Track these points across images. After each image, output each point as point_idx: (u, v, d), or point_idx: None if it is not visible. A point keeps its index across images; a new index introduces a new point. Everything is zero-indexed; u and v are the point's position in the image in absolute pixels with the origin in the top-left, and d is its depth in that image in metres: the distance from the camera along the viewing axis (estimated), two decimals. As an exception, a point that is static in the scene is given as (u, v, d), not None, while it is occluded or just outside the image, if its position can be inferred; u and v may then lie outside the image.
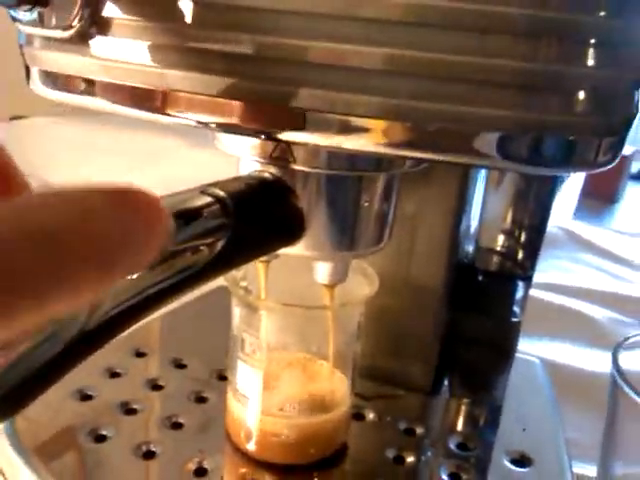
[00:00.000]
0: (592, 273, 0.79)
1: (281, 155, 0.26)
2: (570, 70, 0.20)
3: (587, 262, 0.82)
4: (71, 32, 0.22)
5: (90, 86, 0.24)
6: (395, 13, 0.19)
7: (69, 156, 0.76)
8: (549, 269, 0.80)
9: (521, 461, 0.34)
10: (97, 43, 0.23)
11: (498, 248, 0.47)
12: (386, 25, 0.19)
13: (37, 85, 0.25)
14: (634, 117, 0.22)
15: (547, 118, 0.20)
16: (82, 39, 0.23)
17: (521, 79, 0.20)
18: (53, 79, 0.25)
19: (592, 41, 0.20)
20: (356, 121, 0.20)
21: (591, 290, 0.72)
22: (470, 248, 0.47)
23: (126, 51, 0.23)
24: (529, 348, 0.52)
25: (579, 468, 0.37)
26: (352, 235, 0.28)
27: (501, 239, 0.46)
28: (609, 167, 0.22)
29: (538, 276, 0.78)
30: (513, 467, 0.34)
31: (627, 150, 2.67)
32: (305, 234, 0.27)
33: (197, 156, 0.78)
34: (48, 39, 0.24)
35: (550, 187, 0.43)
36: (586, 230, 0.91)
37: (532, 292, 0.70)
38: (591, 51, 0.20)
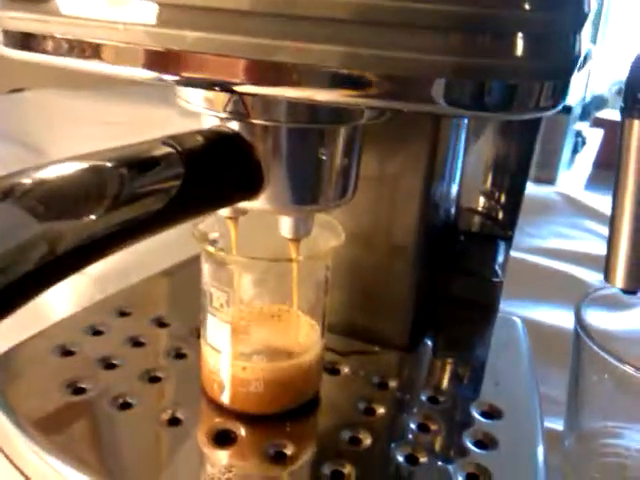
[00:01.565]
0: (589, 238, 0.79)
1: (237, 109, 0.26)
2: (508, 13, 0.20)
3: (586, 228, 0.82)
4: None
5: (48, 42, 0.24)
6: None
7: (66, 127, 0.77)
8: (547, 235, 0.80)
9: (491, 414, 0.35)
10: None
11: (479, 209, 0.47)
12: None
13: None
14: (576, 61, 0.22)
15: (487, 62, 0.20)
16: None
17: (459, 23, 0.20)
18: (11, 38, 0.25)
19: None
20: (302, 70, 0.21)
21: (586, 254, 0.71)
22: (452, 209, 0.47)
23: (84, 7, 0.23)
24: (518, 310, 0.53)
25: (557, 425, 0.38)
26: (313, 189, 0.29)
27: (482, 200, 0.47)
28: (552, 112, 0.22)
29: (535, 242, 0.78)
30: (482, 419, 0.34)
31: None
32: (265, 188, 0.28)
33: (188, 124, 0.79)
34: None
35: (529, 146, 0.43)
36: (586, 196, 0.90)
37: (527, 257, 0.70)
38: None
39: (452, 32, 0.20)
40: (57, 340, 0.38)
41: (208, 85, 0.24)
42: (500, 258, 0.46)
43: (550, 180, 1.04)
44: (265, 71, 0.21)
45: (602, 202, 0.90)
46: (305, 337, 0.34)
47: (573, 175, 1.16)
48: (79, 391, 0.34)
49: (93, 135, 0.71)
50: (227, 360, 0.32)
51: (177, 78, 0.23)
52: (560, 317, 0.58)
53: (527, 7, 0.20)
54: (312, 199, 0.29)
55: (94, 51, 0.24)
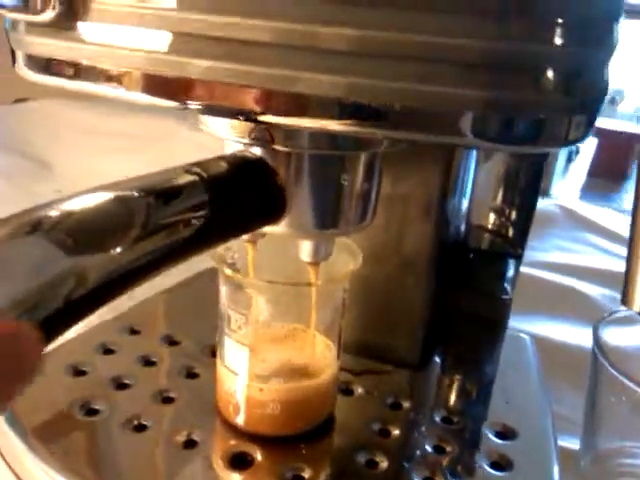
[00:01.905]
0: (591, 252, 0.79)
1: (260, 136, 0.26)
2: (538, 48, 0.20)
3: (587, 241, 0.83)
4: (51, 16, 0.23)
5: (70, 68, 0.24)
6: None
7: (72, 138, 0.77)
8: (550, 249, 0.81)
9: (505, 434, 0.35)
10: (75, 26, 0.23)
11: (489, 226, 0.47)
12: (355, 6, 0.20)
13: (21, 68, 0.26)
14: (604, 94, 0.22)
15: (516, 97, 0.21)
16: (61, 23, 0.23)
17: (489, 58, 0.20)
18: (35, 62, 0.25)
19: (559, 20, 0.20)
20: (327, 102, 0.21)
21: (588, 268, 0.72)
22: (462, 227, 0.47)
23: (105, 34, 0.23)
24: (524, 326, 0.53)
25: (570, 443, 0.38)
26: (334, 214, 0.29)
27: (492, 217, 0.47)
28: (581, 143, 0.22)
29: (538, 255, 0.79)
30: (497, 439, 0.34)
31: (636, 128, 2.64)
32: (287, 213, 0.28)
33: (196, 138, 0.79)
34: (31, 24, 0.24)
35: (539, 166, 0.43)
36: (586, 209, 0.91)
37: (531, 271, 0.70)
38: (558, 29, 0.20)
39: (482, 66, 0.20)
40: (68, 359, 0.37)
41: (230, 114, 0.24)
42: (509, 275, 0.47)
43: (544, 189, 1.04)
44: (297, 104, 0.21)
45: (602, 215, 0.90)
46: (321, 357, 0.34)
47: (567, 184, 1.16)
48: (91, 412, 0.34)
49: (100, 147, 0.71)
50: (244, 382, 0.32)
51: (200, 107, 0.23)
52: (566, 333, 0.58)
53: (558, 43, 0.20)
54: (333, 224, 0.29)
55: (117, 78, 0.24)
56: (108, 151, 0.70)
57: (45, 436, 0.31)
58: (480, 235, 0.47)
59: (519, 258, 0.47)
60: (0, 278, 0.17)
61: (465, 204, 0.46)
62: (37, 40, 0.25)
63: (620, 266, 0.78)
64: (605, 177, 2.36)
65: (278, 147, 0.26)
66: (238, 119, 0.26)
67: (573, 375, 0.51)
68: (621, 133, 2.56)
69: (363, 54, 0.20)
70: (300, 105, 0.21)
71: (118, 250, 0.20)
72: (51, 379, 0.36)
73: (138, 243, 0.21)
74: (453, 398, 0.39)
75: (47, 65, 0.25)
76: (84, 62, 0.24)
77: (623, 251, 0.82)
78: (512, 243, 0.46)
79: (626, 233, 0.88)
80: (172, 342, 0.41)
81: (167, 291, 0.47)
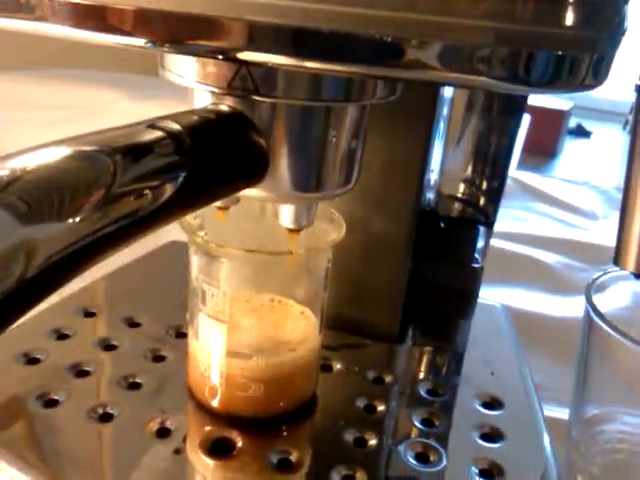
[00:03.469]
0: (544, 221, 0.80)
1: (241, 84, 0.23)
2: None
3: (538, 210, 0.83)
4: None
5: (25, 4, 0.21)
6: None
7: (10, 113, 0.71)
8: (503, 218, 0.81)
9: (492, 404, 0.34)
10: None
11: (460, 194, 0.46)
12: None
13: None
14: (623, 33, 0.20)
15: (534, 30, 0.19)
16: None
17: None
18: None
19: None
20: (338, 38, 0.18)
21: (544, 237, 0.72)
22: (431, 195, 0.46)
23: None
24: (487, 294, 0.52)
25: (546, 411, 0.37)
26: (319, 175, 0.26)
27: (463, 185, 0.45)
28: (595, 88, 0.21)
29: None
30: (485, 410, 0.33)
31: (565, 105, 2.73)
32: (268, 174, 0.25)
33: (138, 109, 0.74)
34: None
35: (512, 131, 0.42)
36: (535, 179, 0.92)
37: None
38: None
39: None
40: (19, 347, 0.34)
41: (212, 53, 0.21)
42: (481, 244, 0.45)
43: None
44: (296, 39, 0.19)
45: (550, 184, 0.91)
46: (304, 331, 0.31)
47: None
48: (50, 403, 0.30)
49: (36, 120, 0.65)
50: (222, 361, 0.29)
51: (170, 45, 0.20)
52: (530, 300, 0.58)
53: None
54: (317, 186, 0.26)
55: (74, 12, 0.20)
56: (46, 124, 0.65)
57: (2, 433, 0.28)
58: (450, 204, 0.46)
59: (490, 226, 0.45)
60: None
61: (436, 171, 0.44)
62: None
63: (573, 234, 0.79)
64: (537, 153, 2.43)
65: (259, 97, 0.24)
66: (216, 58, 0.23)
67: (542, 343, 0.51)
68: (552, 110, 2.64)
69: None
70: (294, 40, 0.19)
71: (80, 217, 0.17)
72: (2, 370, 0.32)
73: (102, 209, 0.18)
74: (435, 370, 0.37)
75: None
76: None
77: (573, 219, 0.83)
78: (484, 211, 0.45)
79: (572, 201, 0.89)
80: (132, 324, 0.38)
81: (122, 269, 0.44)
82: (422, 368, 0.38)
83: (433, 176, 0.44)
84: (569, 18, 0.19)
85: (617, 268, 0.30)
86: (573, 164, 2.60)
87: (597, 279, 0.32)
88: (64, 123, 0.66)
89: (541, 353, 0.49)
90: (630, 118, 0.28)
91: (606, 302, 0.31)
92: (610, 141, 2.87)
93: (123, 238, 0.19)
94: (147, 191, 0.19)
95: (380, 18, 0.18)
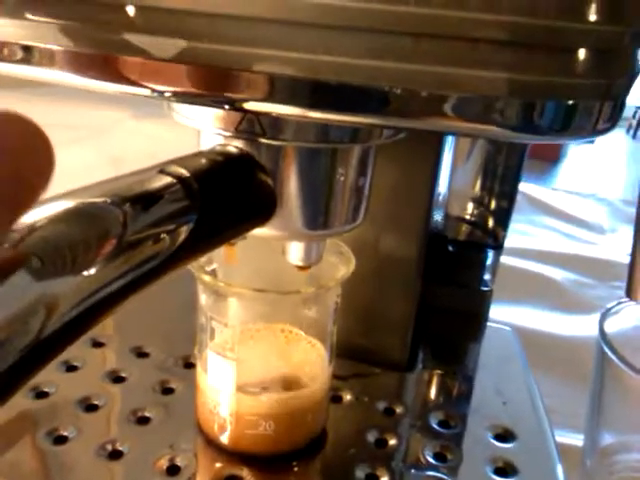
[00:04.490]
0: (550, 235, 0.79)
1: (249, 127, 0.23)
2: (571, 26, 0.18)
3: (545, 224, 0.83)
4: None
5: (27, 52, 0.21)
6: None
7: None
8: (508, 232, 0.80)
9: (504, 436, 0.33)
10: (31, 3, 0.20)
11: (468, 216, 0.45)
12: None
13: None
14: (635, 78, 0.20)
15: (546, 80, 0.18)
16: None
17: (517, 36, 0.18)
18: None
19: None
20: (333, 87, 0.18)
21: (551, 253, 0.72)
22: (439, 216, 0.46)
23: (65, 11, 0.20)
24: (494, 313, 0.52)
25: (558, 437, 0.37)
26: (327, 212, 0.26)
27: (471, 205, 0.45)
28: (609, 132, 0.21)
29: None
30: (498, 443, 0.33)
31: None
32: (276, 213, 0.25)
33: (144, 128, 0.74)
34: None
35: (520, 152, 0.42)
36: (540, 192, 0.91)
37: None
38: (593, 4, 0.18)
39: (509, 46, 0.18)
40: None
41: (213, 102, 0.21)
42: (489, 266, 0.45)
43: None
44: (304, 91, 0.18)
45: (555, 197, 0.91)
46: (314, 365, 0.31)
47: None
48: (60, 440, 0.30)
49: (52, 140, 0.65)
50: (232, 399, 0.29)
51: (176, 94, 0.20)
52: (538, 319, 0.58)
53: (593, 18, 0.18)
54: (326, 223, 0.26)
55: (82, 62, 0.20)
56: (64, 143, 0.65)
57: (10, 470, 0.28)
58: (458, 226, 0.46)
59: (499, 249, 0.45)
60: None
61: (443, 194, 0.44)
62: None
63: (581, 249, 0.78)
64: (540, 158, 2.42)
65: (266, 140, 0.24)
66: (222, 108, 0.23)
67: (552, 364, 0.50)
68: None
69: (373, 31, 0.18)
70: (302, 92, 0.19)
71: (93, 269, 0.17)
72: (10, 404, 0.32)
73: (115, 259, 0.18)
74: (446, 399, 0.37)
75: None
76: (41, 44, 0.20)
77: (581, 233, 0.82)
78: (492, 233, 0.45)
79: (579, 214, 0.88)
80: (141, 353, 0.38)
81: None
82: (433, 397, 0.37)
83: (441, 196, 0.43)
84: (583, 68, 0.18)
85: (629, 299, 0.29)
86: (577, 170, 2.60)
87: (610, 310, 0.31)
88: (70, 144, 0.66)
89: (551, 375, 0.48)
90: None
91: (618, 331, 0.31)
92: (614, 145, 2.86)
93: (136, 287, 0.19)
94: (158, 238, 0.19)
95: (390, 70, 0.18)
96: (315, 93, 0.19)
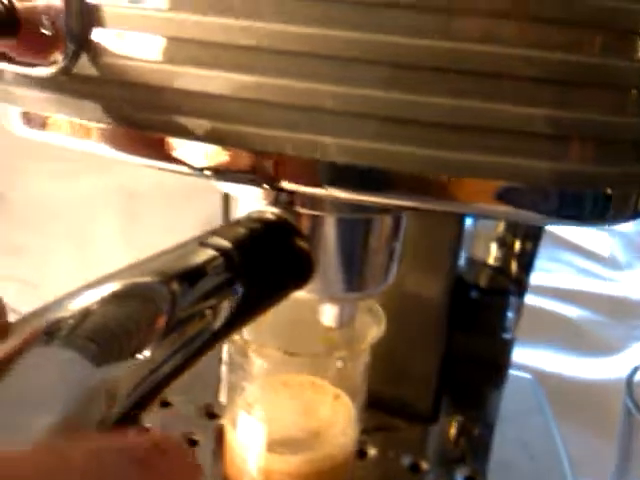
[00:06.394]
0: (565, 270, 0.79)
1: (287, 197, 0.24)
2: (608, 119, 0.18)
3: (560, 259, 0.82)
4: (53, 70, 0.20)
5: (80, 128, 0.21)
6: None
7: (16, 163, 0.71)
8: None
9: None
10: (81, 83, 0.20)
11: (491, 261, 0.45)
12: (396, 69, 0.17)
13: (17, 126, 0.22)
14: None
15: (584, 169, 0.19)
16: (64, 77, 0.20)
17: (555, 127, 0.18)
18: (37, 120, 0.22)
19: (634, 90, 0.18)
20: (385, 174, 0.18)
21: (567, 290, 0.71)
22: (462, 260, 0.45)
23: (115, 91, 0.20)
24: (518, 358, 0.51)
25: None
26: (362, 276, 0.26)
27: (494, 249, 0.45)
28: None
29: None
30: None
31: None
32: (313, 276, 0.25)
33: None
34: (22, 75, 0.21)
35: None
36: (560, 227, 0.91)
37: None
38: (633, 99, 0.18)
39: (546, 136, 0.18)
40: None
41: (250, 182, 0.21)
42: (511, 314, 0.45)
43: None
44: (335, 175, 0.19)
45: (576, 232, 0.90)
46: (343, 421, 0.31)
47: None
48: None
49: (53, 171, 0.65)
50: (261, 457, 0.29)
51: (217, 174, 0.20)
52: (555, 362, 0.57)
53: (633, 111, 0.18)
54: (360, 285, 0.26)
55: (135, 141, 0.21)
56: (55, 175, 0.65)
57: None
58: (482, 271, 0.46)
59: (522, 295, 0.45)
60: (34, 404, 0.14)
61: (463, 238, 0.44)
62: (35, 94, 0.21)
63: (597, 286, 0.77)
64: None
65: (302, 210, 0.24)
66: (260, 187, 0.23)
67: (574, 410, 0.50)
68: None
69: (407, 121, 0.18)
70: (333, 175, 0.19)
71: (148, 350, 0.17)
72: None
73: (167, 338, 0.18)
74: (471, 453, 0.37)
75: (47, 123, 0.22)
76: (94, 123, 0.20)
77: (596, 268, 0.81)
78: (515, 280, 0.45)
79: (595, 248, 0.87)
80: (164, 403, 0.38)
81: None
82: (458, 451, 0.37)
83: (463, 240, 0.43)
84: (624, 157, 0.19)
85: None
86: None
87: (636, 371, 0.31)
88: (74, 175, 0.66)
89: (574, 422, 0.48)
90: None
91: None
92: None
93: (187, 364, 0.19)
94: (206, 314, 0.19)
95: (419, 157, 0.18)
96: (347, 176, 0.19)
